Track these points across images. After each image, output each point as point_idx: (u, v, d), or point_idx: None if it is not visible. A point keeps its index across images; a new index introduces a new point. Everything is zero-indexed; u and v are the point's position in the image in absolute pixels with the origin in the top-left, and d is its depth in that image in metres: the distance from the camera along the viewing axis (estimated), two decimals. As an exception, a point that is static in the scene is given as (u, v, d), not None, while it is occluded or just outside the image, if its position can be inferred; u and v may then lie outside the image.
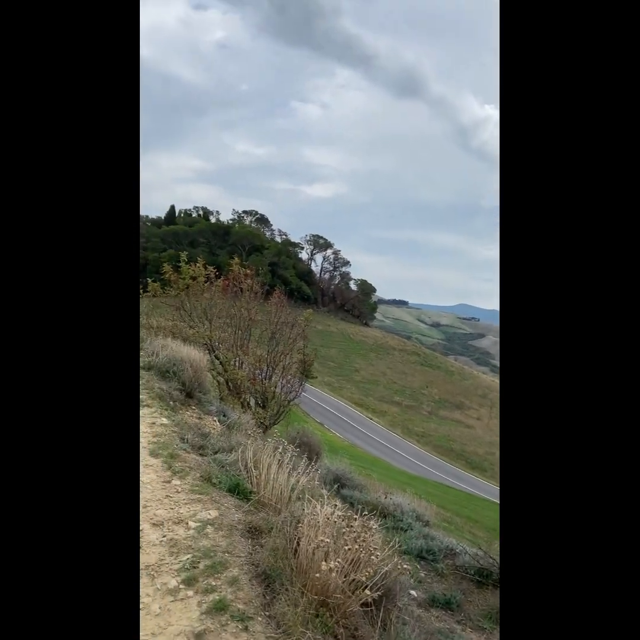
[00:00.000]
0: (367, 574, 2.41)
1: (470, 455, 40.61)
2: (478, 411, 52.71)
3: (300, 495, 3.33)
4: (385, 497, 4.88)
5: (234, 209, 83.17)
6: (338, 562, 2.40)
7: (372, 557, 2.47)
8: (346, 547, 2.45)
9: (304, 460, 3.67)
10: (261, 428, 9.06)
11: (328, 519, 2.63)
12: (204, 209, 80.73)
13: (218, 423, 6.46)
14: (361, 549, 2.54)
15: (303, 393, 11.60)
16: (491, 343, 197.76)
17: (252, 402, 10.62)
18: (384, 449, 32.94)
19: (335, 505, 2.80)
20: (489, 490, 31.17)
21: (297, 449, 3.75)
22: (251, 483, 3.65)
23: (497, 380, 68.44)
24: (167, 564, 2.55)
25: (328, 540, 2.42)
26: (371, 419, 40.44)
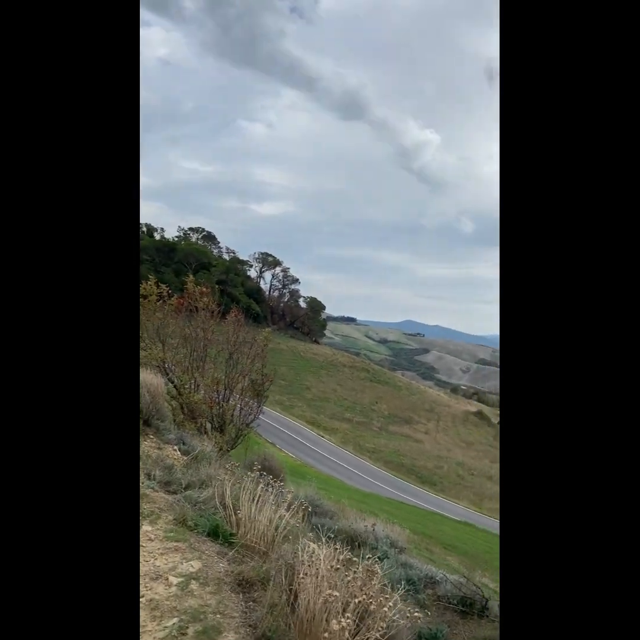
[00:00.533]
0: (380, 628, 2.16)
1: (420, 469, 41.06)
2: (426, 425, 53.63)
3: (290, 535, 3.04)
4: (373, 529, 4.64)
5: (179, 226, 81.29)
6: (348, 616, 2.15)
7: (384, 608, 2.23)
8: (356, 600, 2.20)
9: (290, 495, 3.39)
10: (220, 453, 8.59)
11: (331, 566, 2.37)
12: (148, 225, 78.19)
13: (179, 452, 6.02)
14: (369, 599, 2.30)
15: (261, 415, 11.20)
16: (435, 358, 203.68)
17: (209, 427, 10.10)
18: (337, 467, 32.65)
19: (336, 548, 2.53)
20: (440, 504, 31.59)
21: (282, 484, 3.46)
22: (230, 524, 3.32)
23: (442, 395, 70.39)
24: (150, 631, 2.19)
25: (337, 593, 2.15)
26: (323, 436, 40.10)
